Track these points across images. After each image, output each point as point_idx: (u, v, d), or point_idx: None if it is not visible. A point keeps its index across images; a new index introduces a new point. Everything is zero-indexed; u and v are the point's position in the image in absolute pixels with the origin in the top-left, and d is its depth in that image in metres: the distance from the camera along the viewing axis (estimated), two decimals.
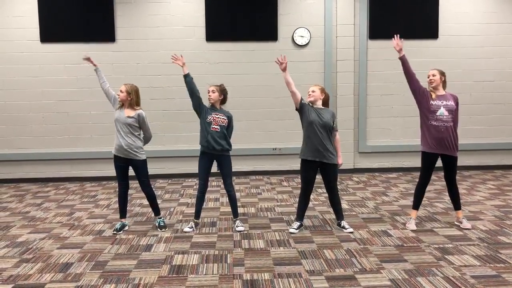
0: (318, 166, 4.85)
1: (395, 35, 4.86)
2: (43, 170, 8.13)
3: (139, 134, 4.99)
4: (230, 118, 5.02)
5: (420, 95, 4.84)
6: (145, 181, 5.05)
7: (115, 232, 4.98)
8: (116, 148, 4.92)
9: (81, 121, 8.06)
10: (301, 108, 4.85)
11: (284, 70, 4.81)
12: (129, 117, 4.87)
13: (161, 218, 5.22)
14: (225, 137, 4.94)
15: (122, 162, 4.96)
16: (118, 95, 4.89)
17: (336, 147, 4.93)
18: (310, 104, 4.86)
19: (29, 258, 4.27)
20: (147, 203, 5.27)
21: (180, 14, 8.07)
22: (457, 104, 4.85)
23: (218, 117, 4.91)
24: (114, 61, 8.01)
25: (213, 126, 4.87)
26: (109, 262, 4.14)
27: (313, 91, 4.85)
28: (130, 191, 5.52)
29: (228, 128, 5.01)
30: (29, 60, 7.94)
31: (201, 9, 8.05)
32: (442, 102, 4.77)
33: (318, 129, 4.74)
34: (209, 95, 4.94)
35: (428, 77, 4.87)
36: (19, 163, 8.08)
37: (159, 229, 5.07)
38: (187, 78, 4.90)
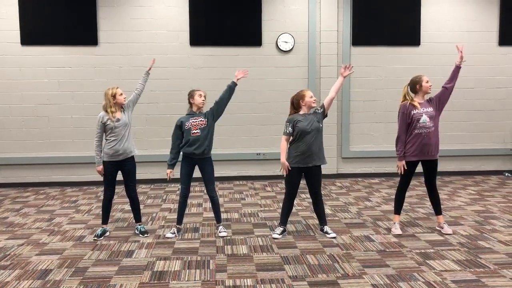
0: (303, 171, 4.87)
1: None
2: (22, 175, 7.98)
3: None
4: (206, 114, 4.96)
5: (409, 117, 4.87)
6: (132, 186, 5.05)
7: (96, 238, 4.92)
8: (110, 154, 4.84)
9: (62, 125, 7.94)
10: (294, 131, 4.83)
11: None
12: (120, 118, 4.85)
13: (141, 224, 5.17)
14: (206, 139, 4.90)
15: (115, 167, 4.91)
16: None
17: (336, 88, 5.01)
18: (298, 114, 4.86)
19: (6, 265, 4.18)
20: (129, 208, 5.21)
21: (164, 18, 8.03)
22: (435, 99, 4.94)
23: (196, 121, 4.90)
24: (97, 65, 7.92)
25: (193, 132, 4.87)
26: (89, 269, 4.07)
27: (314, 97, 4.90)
28: None
29: (214, 116, 4.97)
30: (9, 62, 7.80)
31: (185, 13, 8.03)
32: (423, 110, 4.85)
33: (309, 134, 4.75)
34: None
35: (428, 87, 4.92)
36: None
37: (140, 235, 5.02)
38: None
